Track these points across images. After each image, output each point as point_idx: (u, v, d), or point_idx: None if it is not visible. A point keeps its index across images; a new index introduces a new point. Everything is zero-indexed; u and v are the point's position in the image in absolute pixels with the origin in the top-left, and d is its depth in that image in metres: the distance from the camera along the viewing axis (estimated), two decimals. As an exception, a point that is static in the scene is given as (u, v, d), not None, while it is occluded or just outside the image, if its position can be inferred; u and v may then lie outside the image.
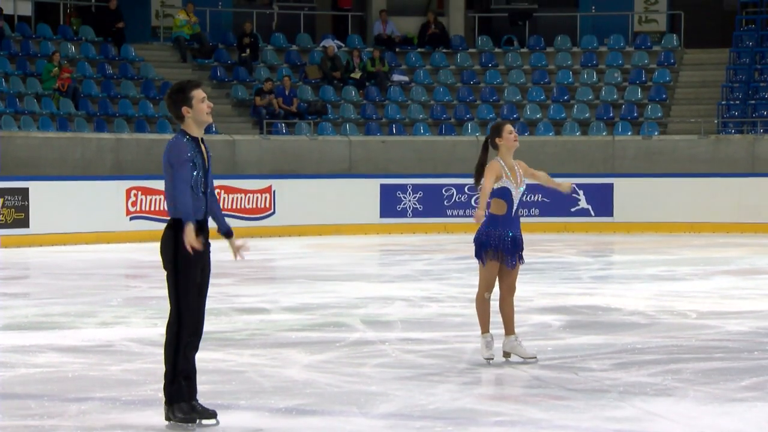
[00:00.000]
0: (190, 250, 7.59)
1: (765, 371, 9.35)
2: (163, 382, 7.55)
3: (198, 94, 7.69)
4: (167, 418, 7.53)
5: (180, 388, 7.45)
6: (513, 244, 9.41)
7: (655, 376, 9.14)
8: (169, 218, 7.68)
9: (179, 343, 7.49)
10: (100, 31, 28.77)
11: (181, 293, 7.61)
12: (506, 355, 9.59)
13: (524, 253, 9.55)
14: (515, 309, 9.66)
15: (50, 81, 26.23)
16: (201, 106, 7.75)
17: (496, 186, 9.40)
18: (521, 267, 9.61)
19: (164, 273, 7.67)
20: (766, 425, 7.59)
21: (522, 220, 9.78)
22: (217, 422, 7.53)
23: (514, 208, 9.46)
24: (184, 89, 7.61)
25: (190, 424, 7.46)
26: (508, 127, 9.48)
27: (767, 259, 20.00)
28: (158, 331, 11.62)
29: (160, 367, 9.59)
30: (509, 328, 9.59)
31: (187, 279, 7.63)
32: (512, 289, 9.55)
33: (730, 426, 7.58)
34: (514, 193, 9.44)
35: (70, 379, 9.24)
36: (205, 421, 7.51)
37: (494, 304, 9.60)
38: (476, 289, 9.63)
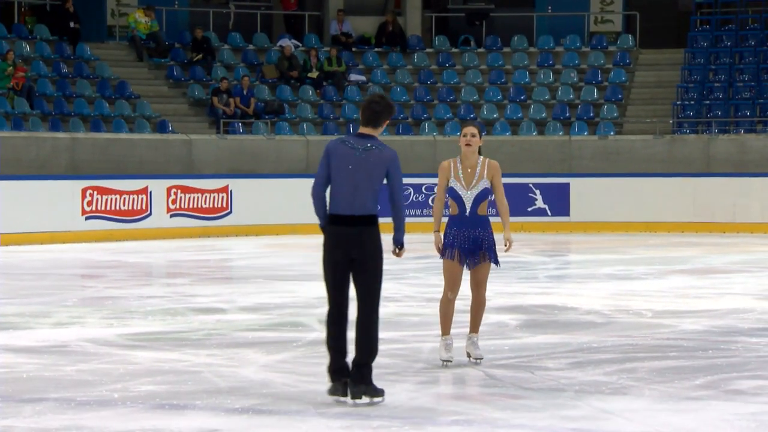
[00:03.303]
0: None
1: (719, 370, 9.41)
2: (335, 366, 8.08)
3: None
4: (377, 394, 8.05)
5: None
6: (471, 243, 9.38)
7: (610, 375, 9.18)
8: (370, 214, 8.07)
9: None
10: (55, 30, 28.60)
11: (381, 285, 8.21)
12: (468, 355, 9.60)
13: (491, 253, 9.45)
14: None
15: (5, 80, 26.03)
16: None
17: (449, 185, 9.42)
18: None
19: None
20: (720, 423, 7.64)
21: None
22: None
23: (467, 208, 9.41)
24: None
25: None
26: (464, 129, 9.46)
27: (722, 258, 20.14)
28: (114, 331, 11.58)
29: (116, 367, 9.56)
30: (471, 325, 9.59)
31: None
32: (479, 286, 9.49)
33: (685, 424, 7.62)
34: (462, 194, 9.40)
35: (24, 379, 9.17)
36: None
37: (459, 304, 9.59)
38: (434, 289, 9.64)
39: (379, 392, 8.13)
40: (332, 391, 8.15)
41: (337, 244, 8.09)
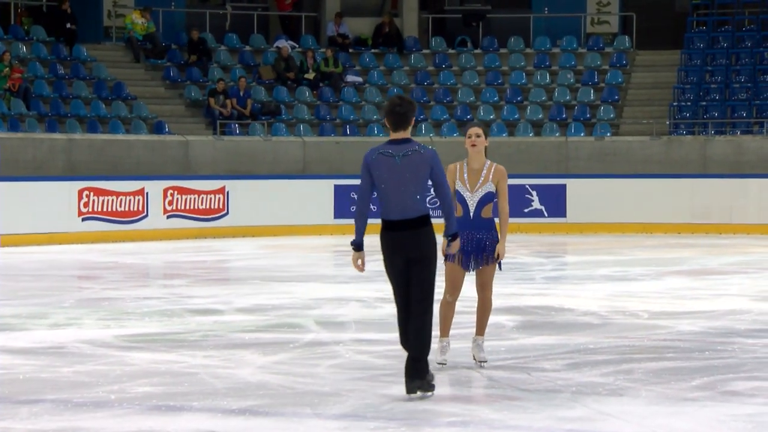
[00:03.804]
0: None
1: (716, 371, 9.42)
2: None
3: None
4: (430, 389, 8.26)
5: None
6: (474, 246, 9.35)
7: (607, 376, 9.18)
8: (423, 215, 8.24)
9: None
10: (51, 31, 28.59)
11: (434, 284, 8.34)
12: (474, 357, 9.58)
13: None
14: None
15: (1, 81, 26.02)
16: None
17: (455, 188, 9.41)
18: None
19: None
20: (716, 425, 7.64)
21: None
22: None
23: (471, 211, 9.39)
24: None
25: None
26: (469, 131, 9.43)
27: (719, 259, 20.15)
28: (111, 332, 11.58)
29: (113, 369, 9.56)
30: (476, 327, 9.58)
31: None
32: (483, 288, 9.46)
33: (681, 425, 7.62)
34: (466, 196, 9.39)
35: (21, 381, 9.17)
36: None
37: (460, 306, 9.58)
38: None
39: (432, 387, 8.29)
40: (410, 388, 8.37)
41: (395, 248, 8.27)
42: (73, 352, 10.41)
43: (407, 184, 8.18)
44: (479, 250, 9.35)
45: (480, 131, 9.39)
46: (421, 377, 8.21)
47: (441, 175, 8.29)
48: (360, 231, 8.38)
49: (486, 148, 9.44)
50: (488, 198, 9.37)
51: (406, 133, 8.29)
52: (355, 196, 8.42)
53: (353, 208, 25.56)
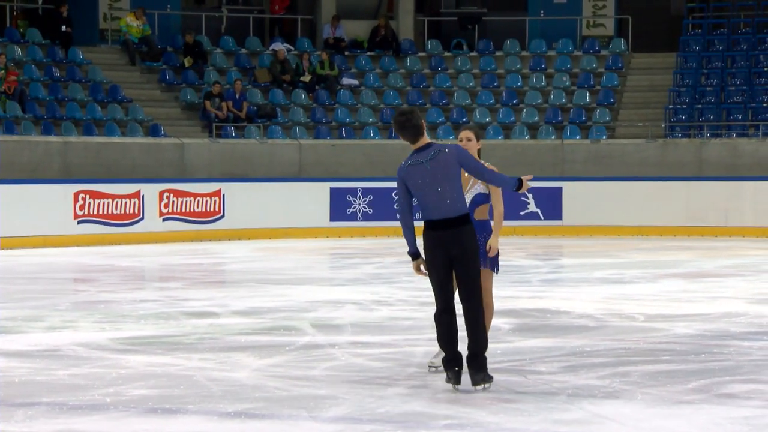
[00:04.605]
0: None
1: (712, 374, 9.42)
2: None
3: None
4: (490, 380, 8.67)
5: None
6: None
7: (603, 378, 9.18)
8: (463, 214, 8.63)
9: None
10: (47, 34, 28.57)
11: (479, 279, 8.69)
12: None
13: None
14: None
15: (-3, 84, 26.02)
16: None
17: None
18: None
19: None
20: (713, 427, 7.64)
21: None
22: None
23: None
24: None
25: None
26: (461, 134, 9.41)
27: (714, 262, 20.16)
28: (106, 335, 11.57)
29: (108, 372, 9.55)
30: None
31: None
32: (483, 292, 9.39)
33: (677, 428, 7.62)
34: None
35: (16, 383, 9.16)
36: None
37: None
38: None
39: (491, 378, 8.69)
40: (447, 380, 8.67)
41: (436, 245, 8.58)
42: (69, 355, 10.40)
43: (441, 184, 8.55)
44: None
45: (471, 134, 9.35)
46: (484, 370, 8.61)
47: (472, 161, 8.68)
48: (411, 241, 8.68)
49: (480, 150, 9.41)
50: (480, 199, 9.31)
51: (425, 140, 8.67)
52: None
53: (349, 211, 25.57)
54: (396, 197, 8.83)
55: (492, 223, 9.40)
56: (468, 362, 8.62)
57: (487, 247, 9.24)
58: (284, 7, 31.92)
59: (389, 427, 7.65)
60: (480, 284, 8.65)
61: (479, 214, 9.33)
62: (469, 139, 9.32)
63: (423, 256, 8.65)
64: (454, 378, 8.63)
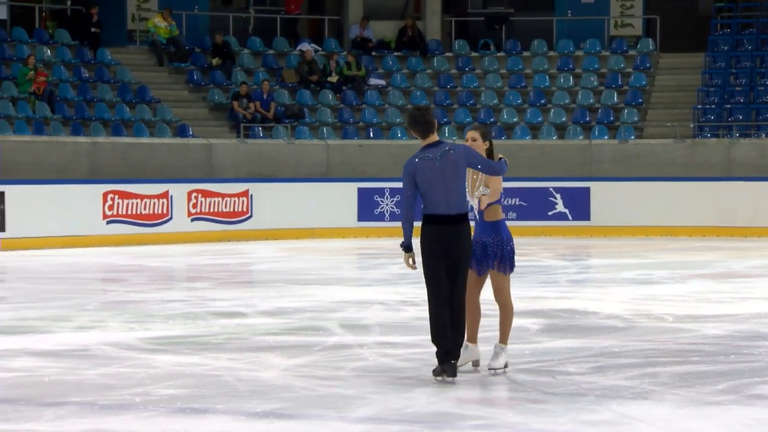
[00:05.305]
0: None
1: (741, 375, 9.38)
2: None
3: None
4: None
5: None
6: (480, 250, 9.31)
7: (632, 379, 9.15)
8: (464, 213, 8.97)
9: None
10: (75, 35, 28.68)
11: None
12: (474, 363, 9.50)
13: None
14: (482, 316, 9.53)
15: (26, 84, 26.12)
16: None
17: None
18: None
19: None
20: (742, 428, 7.61)
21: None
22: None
23: (476, 214, 9.39)
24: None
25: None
26: (467, 135, 9.42)
27: (743, 262, 20.07)
28: (135, 335, 11.60)
29: (137, 371, 9.58)
30: (499, 333, 9.49)
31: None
32: (496, 294, 9.32)
33: (706, 429, 7.59)
34: (470, 200, 9.35)
35: (46, 383, 9.19)
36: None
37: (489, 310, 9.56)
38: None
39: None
40: (440, 373, 8.89)
41: (436, 239, 8.85)
42: (98, 355, 10.43)
43: (449, 181, 8.83)
44: (484, 255, 9.27)
45: (477, 134, 9.35)
46: (456, 362, 8.93)
47: (479, 158, 8.99)
48: (409, 235, 8.97)
49: (490, 150, 9.36)
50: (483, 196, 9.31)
51: (435, 137, 8.99)
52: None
53: (377, 211, 25.57)
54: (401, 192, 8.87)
55: (501, 220, 9.31)
56: (445, 355, 8.90)
57: (478, 197, 9.16)
58: (299, 6, 31.85)
59: (417, 428, 7.64)
60: (466, 281, 8.93)
61: (489, 215, 9.28)
62: (474, 140, 9.33)
63: (421, 251, 8.90)
64: (450, 371, 8.83)
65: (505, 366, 9.36)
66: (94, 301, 14.82)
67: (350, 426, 7.69)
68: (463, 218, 8.89)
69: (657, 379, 9.13)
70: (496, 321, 9.51)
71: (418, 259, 9.03)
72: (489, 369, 9.33)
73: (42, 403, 8.41)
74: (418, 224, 9.03)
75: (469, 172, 9.28)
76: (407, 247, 8.96)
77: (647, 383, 8.98)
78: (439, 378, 8.89)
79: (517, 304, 13.66)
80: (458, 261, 8.86)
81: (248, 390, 8.80)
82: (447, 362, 8.84)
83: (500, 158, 9.29)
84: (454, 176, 8.84)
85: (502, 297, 9.37)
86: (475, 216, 9.39)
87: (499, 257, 9.26)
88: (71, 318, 12.92)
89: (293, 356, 10.24)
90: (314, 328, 12.07)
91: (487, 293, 9.53)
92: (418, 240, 8.97)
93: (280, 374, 9.43)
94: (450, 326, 8.85)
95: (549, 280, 17.22)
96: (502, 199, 9.59)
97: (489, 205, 9.30)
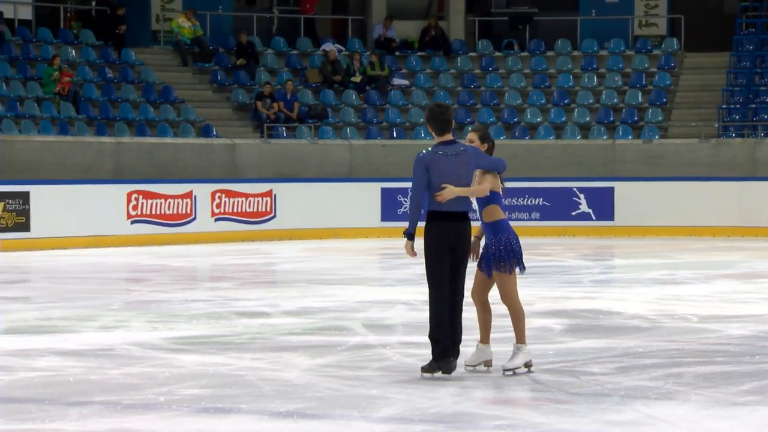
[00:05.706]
0: None
1: (766, 375, 9.34)
2: None
3: None
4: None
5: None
6: (484, 252, 9.31)
7: (656, 379, 9.13)
8: (468, 210, 9.24)
9: None
10: (100, 35, 28.78)
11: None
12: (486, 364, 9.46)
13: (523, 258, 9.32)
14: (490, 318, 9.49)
15: (51, 85, 26.23)
16: None
17: None
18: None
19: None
20: (766, 430, 7.58)
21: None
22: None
23: (478, 215, 9.41)
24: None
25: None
26: (467, 136, 9.43)
27: (768, 262, 20.00)
28: (159, 335, 11.64)
29: (161, 371, 9.61)
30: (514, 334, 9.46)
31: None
32: (502, 295, 9.29)
33: (731, 430, 7.57)
34: (471, 199, 9.36)
35: (70, 383, 9.23)
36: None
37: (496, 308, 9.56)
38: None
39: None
40: (433, 369, 9.04)
41: (442, 235, 9.05)
42: (122, 354, 10.47)
43: (460, 179, 9.09)
44: (487, 257, 9.26)
45: (474, 137, 9.39)
46: (456, 358, 9.13)
47: (485, 159, 9.21)
48: (414, 224, 9.09)
49: (490, 151, 9.35)
50: (483, 201, 9.28)
51: (450, 136, 9.20)
52: (407, 197, 8.91)
53: (400, 211, 25.56)
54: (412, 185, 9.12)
55: (500, 220, 9.25)
56: (442, 351, 9.06)
57: (441, 193, 9.09)
58: (314, 7, 31.81)
59: (440, 428, 7.64)
60: (464, 283, 9.07)
61: (486, 216, 9.25)
62: (471, 141, 9.35)
63: (425, 248, 9.04)
64: (446, 366, 9.01)
65: (527, 365, 9.32)
66: (118, 300, 14.87)
67: (373, 426, 7.70)
68: (465, 216, 9.15)
69: (681, 380, 9.10)
70: (509, 321, 9.48)
71: (420, 255, 9.10)
72: (503, 370, 9.29)
73: (67, 403, 8.44)
74: (419, 225, 9.17)
75: (475, 173, 9.35)
76: (410, 235, 9.09)
77: (672, 384, 8.96)
78: (429, 375, 9.01)
79: (540, 304, 13.67)
80: (461, 258, 9.09)
81: (272, 390, 8.81)
82: (443, 359, 9.01)
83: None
84: (465, 175, 9.11)
85: (507, 298, 9.31)
86: (478, 217, 9.39)
87: (498, 258, 9.23)
88: (95, 318, 12.96)
89: (317, 356, 10.25)
90: (337, 328, 12.08)
91: (496, 293, 9.51)
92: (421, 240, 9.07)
93: (303, 374, 9.44)
94: (449, 324, 9.03)
95: (572, 280, 17.19)
96: (503, 200, 9.59)
97: (484, 206, 9.28)
